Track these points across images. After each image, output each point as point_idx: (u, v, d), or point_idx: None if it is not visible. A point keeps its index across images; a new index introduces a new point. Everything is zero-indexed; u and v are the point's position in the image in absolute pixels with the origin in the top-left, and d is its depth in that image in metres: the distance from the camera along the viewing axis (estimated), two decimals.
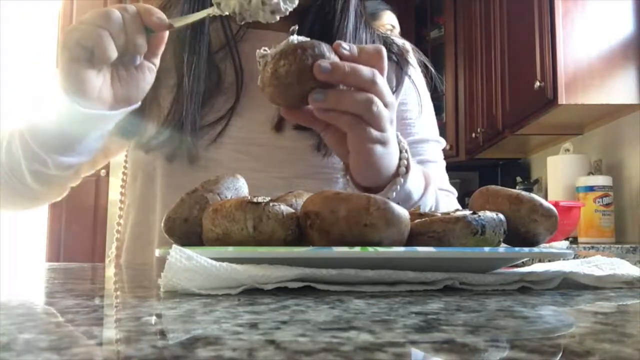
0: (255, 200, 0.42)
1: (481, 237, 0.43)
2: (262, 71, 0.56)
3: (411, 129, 0.89)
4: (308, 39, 0.55)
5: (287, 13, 0.61)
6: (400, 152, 0.66)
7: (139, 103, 0.67)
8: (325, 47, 0.54)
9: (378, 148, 0.60)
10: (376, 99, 0.56)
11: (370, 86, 0.55)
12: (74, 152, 0.70)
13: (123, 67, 0.63)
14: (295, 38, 0.55)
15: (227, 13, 0.59)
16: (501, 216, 0.45)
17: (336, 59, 0.55)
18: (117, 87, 0.64)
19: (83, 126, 0.65)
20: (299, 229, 0.43)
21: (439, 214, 0.45)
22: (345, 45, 0.55)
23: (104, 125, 0.67)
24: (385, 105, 0.58)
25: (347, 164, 0.65)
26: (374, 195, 0.41)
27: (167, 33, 0.63)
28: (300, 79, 0.54)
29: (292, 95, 0.56)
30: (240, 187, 0.51)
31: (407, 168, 0.66)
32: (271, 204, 0.42)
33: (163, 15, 0.60)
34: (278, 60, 0.54)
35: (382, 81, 0.57)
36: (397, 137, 0.66)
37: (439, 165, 0.92)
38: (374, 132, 0.58)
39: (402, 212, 0.42)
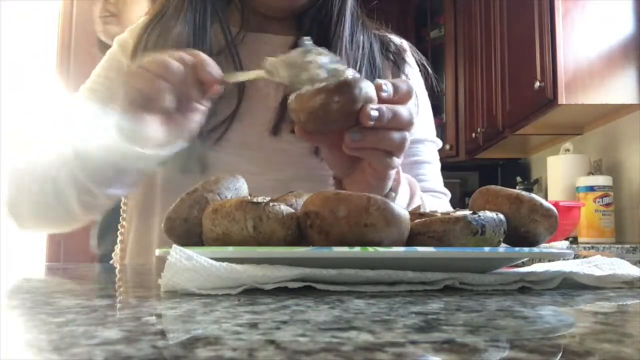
0: (255, 200, 0.42)
1: (481, 237, 0.43)
2: (305, 96, 0.54)
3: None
4: (356, 74, 0.56)
5: None
6: None
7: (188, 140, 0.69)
8: (371, 88, 0.55)
9: (392, 173, 0.62)
10: (408, 136, 0.58)
11: (407, 127, 0.57)
12: (124, 184, 0.72)
13: (177, 110, 0.65)
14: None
15: (277, 80, 0.62)
16: (501, 216, 0.45)
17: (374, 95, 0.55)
18: (172, 128, 0.66)
19: (136, 163, 0.67)
20: (299, 229, 0.43)
21: (439, 214, 0.45)
22: (384, 87, 0.56)
23: (156, 160, 0.68)
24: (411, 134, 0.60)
25: (337, 178, 0.66)
26: (374, 195, 0.41)
27: (218, 85, 0.65)
28: (346, 119, 0.54)
29: (328, 128, 0.56)
30: (240, 187, 0.51)
31: (394, 189, 0.67)
32: (271, 204, 0.42)
33: (216, 69, 0.63)
34: (332, 93, 0.53)
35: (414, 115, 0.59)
36: None
37: (434, 167, 0.92)
38: (396, 160, 0.60)
39: (402, 212, 0.42)
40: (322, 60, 0.59)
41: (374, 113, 0.54)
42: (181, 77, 0.61)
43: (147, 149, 0.65)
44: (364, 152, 0.58)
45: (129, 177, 0.71)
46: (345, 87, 0.53)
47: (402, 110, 0.56)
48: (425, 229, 0.43)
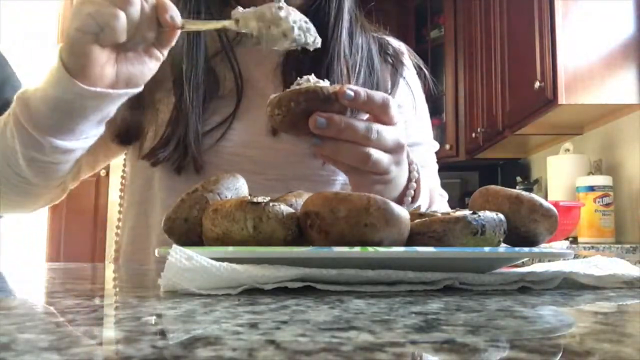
0: (255, 200, 0.42)
1: (481, 237, 0.43)
2: (274, 100, 0.56)
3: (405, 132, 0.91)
4: (314, 81, 0.55)
5: (308, 46, 0.61)
6: (410, 180, 0.67)
7: (140, 88, 0.65)
8: (321, 95, 0.53)
9: (377, 187, 0.61)
10: (372, 152, 0.56)
11: (366, 142, 0.55)
12: (71, 135, 0.66)
13: (130, 48, 0.61)
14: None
15: (244, 31, 0.59)
16: (501, 216, 0.45)
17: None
18: (122, 67, 0.62)
19: (81, 104, 0.62)
20: (299, 229, 0.43)
21: (439, 214, 0.45)
22: (349, 91, 0.54)
23: (103, 106, 0.64)
24: (389, 151, 0.58)
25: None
26: (374, 195, 0.41)
27: (178, 31, 0.62)
28: (295, 126, 0.55)
29: (292, 135, 0.58)
30: (240, 187, 0.51)
31: (414, 198, 0.67)
32: (271, 204, 0.42)
33: (177, 14, 0.60)
34: (273, 108, 0.55)
35: (383, 133, 0.56)
36: (411, 164, 0.67)
37: (432, 169, 0.93)
38: (373, 177, 0.59)
39: (402, 212, 0.42)
40: (294, 17, 0.57)
41: (321, 120, 0.53)
42: (139, 13, 0.58)
43: (92, 87, 0.60)
44: (329, 161, 0.58)
45: (78, 126, 0.65)
46: (283, 100, 0.54)
47: (359, 125, 0.54)
48: (425, 229, 0.43)
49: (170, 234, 0.48)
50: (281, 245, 0.42)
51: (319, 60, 0.82)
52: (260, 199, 0.42)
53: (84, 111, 0.63)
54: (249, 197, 0.43)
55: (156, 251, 0.45)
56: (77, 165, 0.80)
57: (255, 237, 0.41)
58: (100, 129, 0.69)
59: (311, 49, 0.62)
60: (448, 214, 0.44)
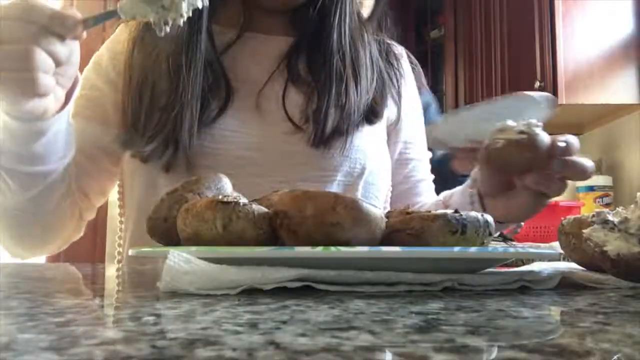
0: (225, 199, 0.41)
1: (461, 236, 0.42)
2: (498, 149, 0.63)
3: (411, 147, 0.94)
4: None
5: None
6: None
7: (78, 72, 0.64)
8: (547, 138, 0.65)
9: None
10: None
11: (576, 178, 0.65)
12: (55, 157, 0.68)
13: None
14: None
15: (139, 19, 0.56)
16: (487, 217, 0.45)
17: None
18: (61, 80, 0.60)
19: (56, 126, 0.64)
20: (273, 229, 0.42)
21: (422, 211, 0.44)
22: (562, 143, 0.64)
23: (50, 122, 0.64)
24: None
25: (481, 194, 0.74)
26: (343, 194, 0.41)
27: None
28: (504, 159, 0.65)
29: (497, 165, 0.68)
30: (222, 187, 0.50)
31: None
32: (242, 204, 0.41)
33: (72, 20, 0.55)
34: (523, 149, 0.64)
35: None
36: None
37: (429, 180, 0.97)
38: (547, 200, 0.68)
39: (373, 210, 0.41)
40: None
41: (558, 162, 0.64)
42: (48, 55, 0.54)
43: (58, 113, 0.62)
44: (533, 189, 0.66)
45: (57, 143, 0.67)
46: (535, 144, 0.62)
47: (579, 165, 0.64)
48: (403, 225, 0.43)
49: (152, 234, 0.48)
50: (254, 244, 0.41)
51: (316, 51, 0.83)
52: (230, 199, 0.42)
53: (60, 125, 0.65)
54: (220, 197, 0.42)
55: (130, 251, 0.45)
56: (83, 193, 0.82)
57: (225, 236, 0.41)
58: (70, 135, 0.70)
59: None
60: (429, 211, 0.44)
